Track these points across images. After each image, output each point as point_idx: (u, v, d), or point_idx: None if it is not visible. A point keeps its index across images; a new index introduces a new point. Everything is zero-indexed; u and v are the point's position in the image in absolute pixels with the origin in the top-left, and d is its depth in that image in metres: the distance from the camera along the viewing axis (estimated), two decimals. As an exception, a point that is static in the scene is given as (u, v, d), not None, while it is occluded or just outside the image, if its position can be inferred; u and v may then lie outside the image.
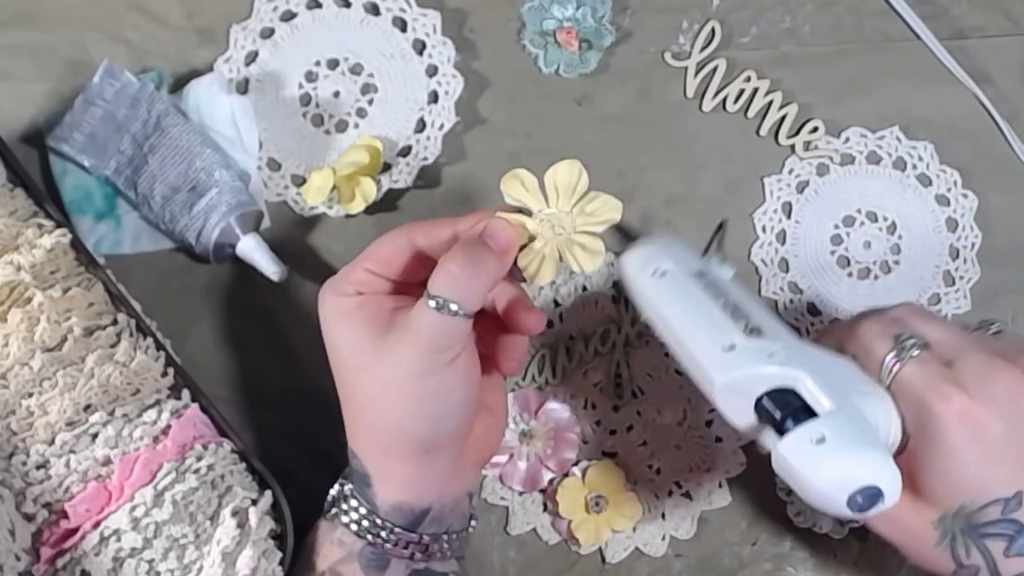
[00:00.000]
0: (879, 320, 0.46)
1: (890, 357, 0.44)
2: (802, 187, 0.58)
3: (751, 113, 0.58)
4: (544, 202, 0.45)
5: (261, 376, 0.55)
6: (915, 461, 0.43)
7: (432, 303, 0.41)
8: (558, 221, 0.45)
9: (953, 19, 0.59)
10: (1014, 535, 0.43)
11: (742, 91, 0.58)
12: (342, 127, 0.57)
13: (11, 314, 0.46)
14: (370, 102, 0.57)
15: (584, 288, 0.56)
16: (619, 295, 0.56)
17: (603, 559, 0.55)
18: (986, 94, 0.59)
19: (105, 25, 0.56)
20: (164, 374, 0.49)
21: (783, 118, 0.58)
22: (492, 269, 0.43)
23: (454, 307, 0.41)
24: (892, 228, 0.58)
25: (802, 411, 0.40)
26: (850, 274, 0.58)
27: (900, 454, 0.44)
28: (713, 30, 0.58)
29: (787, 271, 0.57)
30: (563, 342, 0.55)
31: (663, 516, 0.55)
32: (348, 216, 0.56)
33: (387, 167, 0.56)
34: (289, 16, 0.57)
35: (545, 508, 0.55)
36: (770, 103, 0.58)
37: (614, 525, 0.54)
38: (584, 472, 0.54)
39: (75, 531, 0.45)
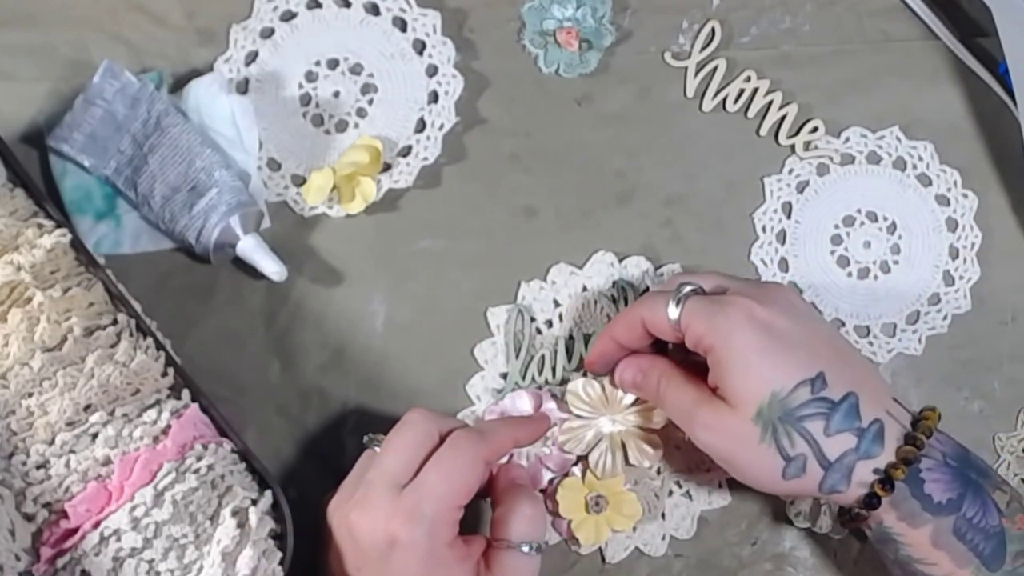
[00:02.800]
0: (654, 291, 0.50)
1: (672, 305, 0.47)
2: (802, 187, 0.58)
3: (751, 113, 0.58)
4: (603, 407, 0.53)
5: (261, 376, 0.55)
6: (719, 372, 0.46)
7: (526, 548, 0.47)
8: (615, 418, 0.53)
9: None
10: (828, 411, 0.45)
11: (742, 91, 0.58)
12: (342, 127, 0.57)
13: (11, 314, 0.46)
14: (370, 102, 0.57)
15: (584, 288, 0.56)
16: (619, 295, 0.56)
17: (603, 559, 0.55)
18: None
19: (105, 25, 0.56)
20: (164, 374, 0.49)
21: (783, 118, 0.58)
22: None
23: (540, 545, 0.47)
24: (892, 228, 0.58)
25: None
26: (850, 274, 0.58)
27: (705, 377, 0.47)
28: (713, 30, 0.58)
29: (787, 271, 0.57)
30: (563, 342, 0.55)
31: (663, 516, 0.55)
32: (348, 216, 0.56)
33: (387, 167, 0.56)
34: (289, 16, 0.57)
35: (545, 508, 0.55)
36: (770, 103, 0.58)
37: (614, 525, 0.54)
38: (584, 472, 0.54)
39: (75, 531, 0.45)
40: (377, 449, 0.48)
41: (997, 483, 0.46)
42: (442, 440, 0.48)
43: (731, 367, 0.46)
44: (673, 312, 0.47)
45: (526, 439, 0.51)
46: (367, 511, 0.45)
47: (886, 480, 0.45)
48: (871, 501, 0.45)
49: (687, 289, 0.48)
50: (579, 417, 0.53)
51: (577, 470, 0.54)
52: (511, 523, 0.47)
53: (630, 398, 0.53)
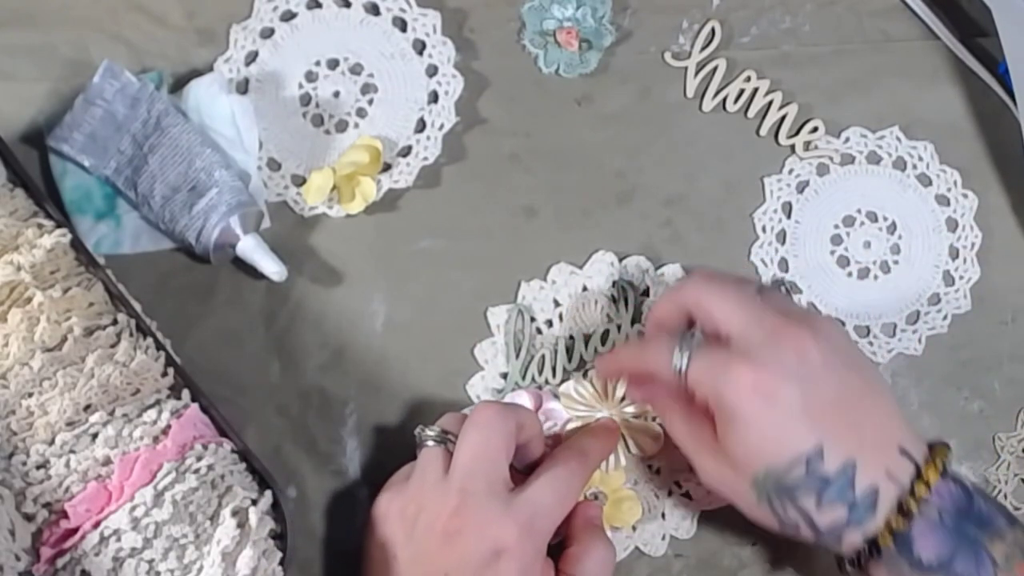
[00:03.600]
0: (654, 337, 0.49)
1: (675, 361, 0.47)
2: (802, 187, 0.58)
3: (751, 113, 0.58)
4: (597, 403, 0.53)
5: (261, 376, 0.55)
6: (721, 432, 0.46)
7: None
8: (612, 413, 0.53)
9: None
10: (821, 487, 0.45)
11: (742, 91, 0.58)
12: (342, 127, 0.57)
13: (11, 314, 0.46)
14: (370, 102, 0.57)
15: (584, 288, 0.56)
16: (618, 295, 0.56)
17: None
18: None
19: (105, 25, 0.56)
20: (164, 374, 0.49)
21: (783, 118, 0.58)
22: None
23: None
24: (892, 228, 0.58)
25: None
26: (850, 274, 0.58)
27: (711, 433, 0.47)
28: (713, 30, 0.58)
29: (787, 271, 0.57)
30: (563, 342, 0.55)
31: (663, 515, 0.55)
32: (348, 216, 0.56)
33: (387, 167, 0.56)
34: (289, 16, 0.57)
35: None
36: (770, 103, 0.58)
37: (613, 521, 0.53)
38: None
39: (75, 531, 0.45)
40: (430, 444, 0.48)
41: (999, 530, 0.45)
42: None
43: (731, 435, 0.46)
44: (678, 362, 0.47)
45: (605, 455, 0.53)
46: (473, 516, 0.45)
47: (873, 546, 0.45)
48: (860, 561, 0.46)
49: (693, 340, 0.47)
50: (578, 417, 0.53)
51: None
52: (585, 563, 0.48)
53: (623, 391, 0.53)
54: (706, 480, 0.48)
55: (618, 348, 0.53)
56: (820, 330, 0.46)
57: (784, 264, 0.57)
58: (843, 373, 0.46)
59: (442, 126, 0.57)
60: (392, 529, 0.47)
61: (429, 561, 0.45)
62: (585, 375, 0.55)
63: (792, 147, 0.58)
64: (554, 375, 0.55)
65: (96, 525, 0.45)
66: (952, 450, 0.47)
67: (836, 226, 0.58)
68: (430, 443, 0.48)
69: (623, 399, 0.53)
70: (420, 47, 0.57)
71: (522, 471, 0.50)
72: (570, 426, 0.53)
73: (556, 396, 0.54)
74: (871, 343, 0.57)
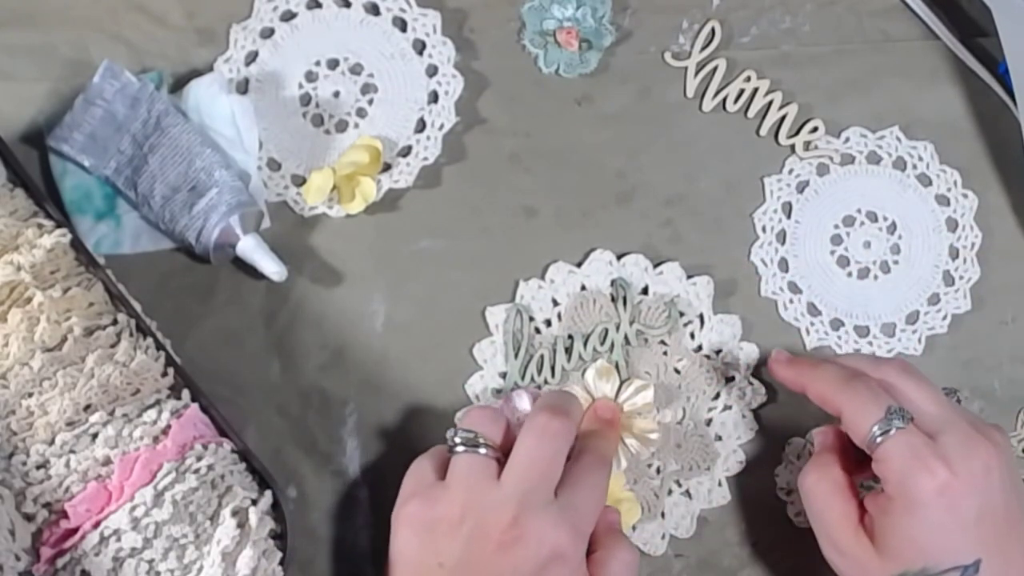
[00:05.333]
0: (869, 386, 0.49)
1: (877, 428, 0.47)
2: (802, 187, 0.58)
3: (751, 113, 0.58)
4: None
5: (261, 376, 0.55)
6: (887, 519, 0.47)
7: None
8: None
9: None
10: None
11: (742, 91, 0.58)
12: (342, 127, 0.57)
13: (11, 314, 0.46)
14: (370, 102, 0.57)
15: (583, 287, 0.56)
16: (617, 294, 0.56)
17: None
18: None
19: (105, 25, 0.56)
20: (164, 374, 0.49)
21: (783, 118, 0.58)
22: None
23: None
24: (892, 228, 0.58)
25: None
26: (850, 274, 0.58)
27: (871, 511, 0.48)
28: (713, 30, 0.58)
29: (787, 271, 0.57)
30: (562, 342, 0.55)
31: (662, 515, 0.55)
32: (348, 216, 0.56)
33: (387, 167, 0.56)
34: (289, 16, 0.57)
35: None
36: (770, 103, 0.58)
37: (613, 524, 0.54)
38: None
39: (75, 531, 0.45)
40: (461, 450, 0.47)
41: None
42: None
43: (898, 523, 0.47)
44: (879, 429, 0.47)
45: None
46: (532, 523, 0.45)
47: None
48: None
49: (904, 418, 0.47)
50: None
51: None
52: (612, 566, 0.48)
53: (613, 390, 0.53)
54: (829, 556, 0.49)
55: (822, 368, 0.51)
56: (1000, 446, 0.48)
57: (784, 264, 0.57)
58: (1012, 492, 0.47)
59: (442, 126, 0.57)
60: (431, 537, 0.46)
61: (480, 569, 0.45)
62: (583, 375, 0.55)
63: (792, 147, 0.58)
64: (553, 374, 0.55)
65: (96, 525, 0.45)
66: None
67: (836, 226, 0.58)
68: (461, 448, 0.47)
69: (616, 398, 0.53)
70: (420, 47, 0.57)
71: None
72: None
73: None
74: (871, 343, 0.57)
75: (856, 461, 0.50)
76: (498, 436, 0.48)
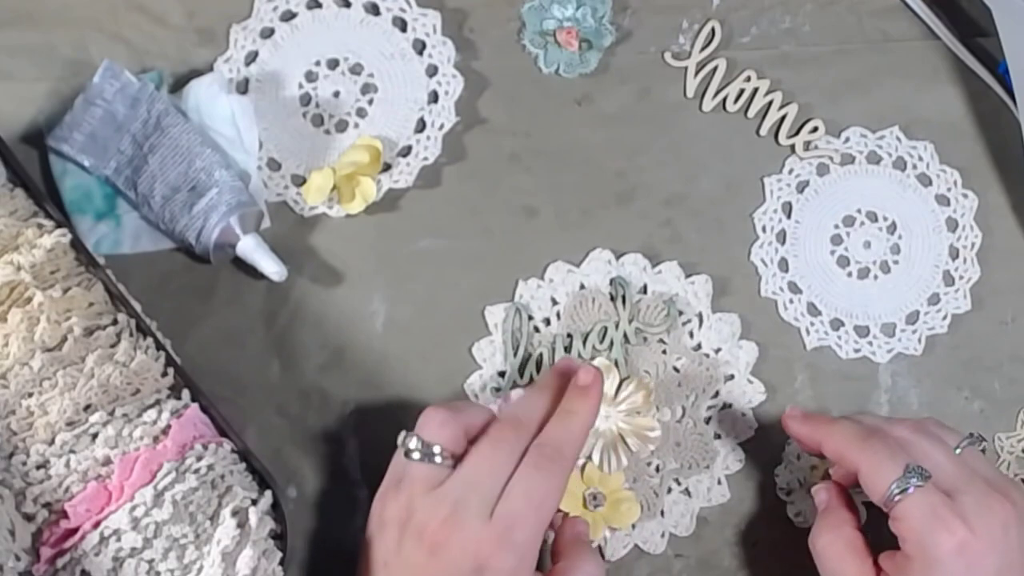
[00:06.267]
0: (887, 444, 0.48)
1: (895, 486, 0.47)
2: (802, 187, 0.58)
3: (751, 113, 0.58)
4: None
5: (261, 376, 0.55)
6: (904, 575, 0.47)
7: None
8: (607, 413, 0.54)
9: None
10: None
11: (742, 91, 0.58)
12: (342, 127, 0.57)
13: (11, 314, 0.46)
14: (370, 102, 0.57)
15: (582, 286, 0.56)
16: (616, 293, 0.56)
17: (603, 556, 0.55)
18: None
19: (105, 25, 0.56)
20: (164, 374, 0.49)
21: (783, 118, 0.58)
22: None
23: None
24: (892, 228, 0.58)
25: None
26: (850, 274, 0.58)
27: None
28: (713, 30, 0.58)
29: (787, 271, 0.57)
30: (561, 340, 0.55)
31: (662, 513, 0.55)
32: (348, 216, 0.56)
33: (387, 167, 0.56)
34: (289, 16, 0.57)
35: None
36: (770, 103, 0.58)
37: (612, 522, 0.54)
38: (582, 468, 0.54)
39: (75, 531, 0.45)
40: (415, 457, 0.47)
41: None
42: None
43: None
44: (893, 493, 0.47)
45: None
46: (457, 531, 0.45)
47: None
48: None
49: (923, 476, 0.47)
50: None
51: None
52: None
53: (612, 388, 0.53)
54: None
55: (839, 425, 0.51)
56: (1018, 504, 0.48)
57: (784, 264, 0.57)
58: None
59: (442, 126, 0.57)
60: (386, 536, 0.47)
61: (415, 571, 0.45)
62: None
63: (792, 147, 0.58)
64: (554, 375, 0.55)
65: (96, 525, 0.45)
66: None
67: (836, 226, 0.58)
68: (416, 456, 0.47)
69: (614, 397, 0.53)
70: (420, 47, 0.57)
71: None
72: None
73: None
74: (871, 343, 0.57)
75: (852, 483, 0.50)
76: (454, 442, 0.47)
